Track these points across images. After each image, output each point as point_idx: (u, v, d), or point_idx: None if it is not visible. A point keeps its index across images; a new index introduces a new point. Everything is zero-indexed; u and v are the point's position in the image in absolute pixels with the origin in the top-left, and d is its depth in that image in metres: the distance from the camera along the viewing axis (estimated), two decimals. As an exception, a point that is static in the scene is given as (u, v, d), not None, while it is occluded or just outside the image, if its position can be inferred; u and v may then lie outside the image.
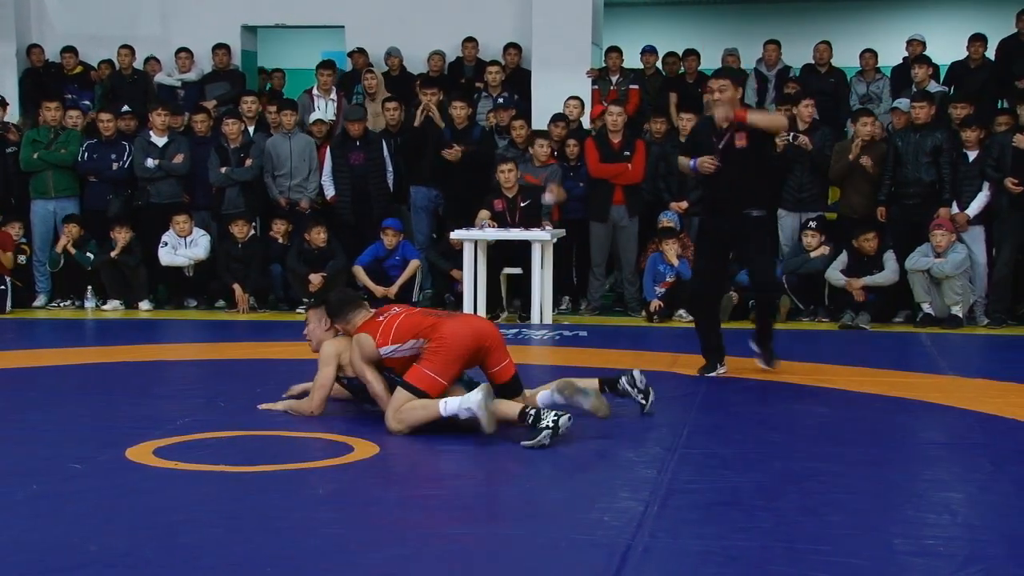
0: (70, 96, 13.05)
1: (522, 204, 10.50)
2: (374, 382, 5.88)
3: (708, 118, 7.43)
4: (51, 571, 3.69)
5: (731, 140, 7.15)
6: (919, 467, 5.29)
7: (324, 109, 12.33)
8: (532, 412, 5.47)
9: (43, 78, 13.51)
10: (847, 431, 5.96)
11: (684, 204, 11.01)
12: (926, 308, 10.21)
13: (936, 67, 11.87)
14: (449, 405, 5.58)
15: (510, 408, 5.59)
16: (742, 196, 7.22)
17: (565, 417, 5.44)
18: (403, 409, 5.68)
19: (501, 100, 12.08)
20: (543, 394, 5.98)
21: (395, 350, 5.81)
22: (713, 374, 7.52)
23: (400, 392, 5.71)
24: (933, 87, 11.42)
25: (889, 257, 10.26)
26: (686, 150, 7.65)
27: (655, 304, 10.48)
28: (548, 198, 10.50)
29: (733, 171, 7.15)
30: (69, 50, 13.44)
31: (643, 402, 6.14)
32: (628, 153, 10.83)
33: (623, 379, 6.13)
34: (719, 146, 7.17)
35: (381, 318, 5.95)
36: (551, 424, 5.39)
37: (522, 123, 11.37)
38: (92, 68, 13.50)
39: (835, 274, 10.34)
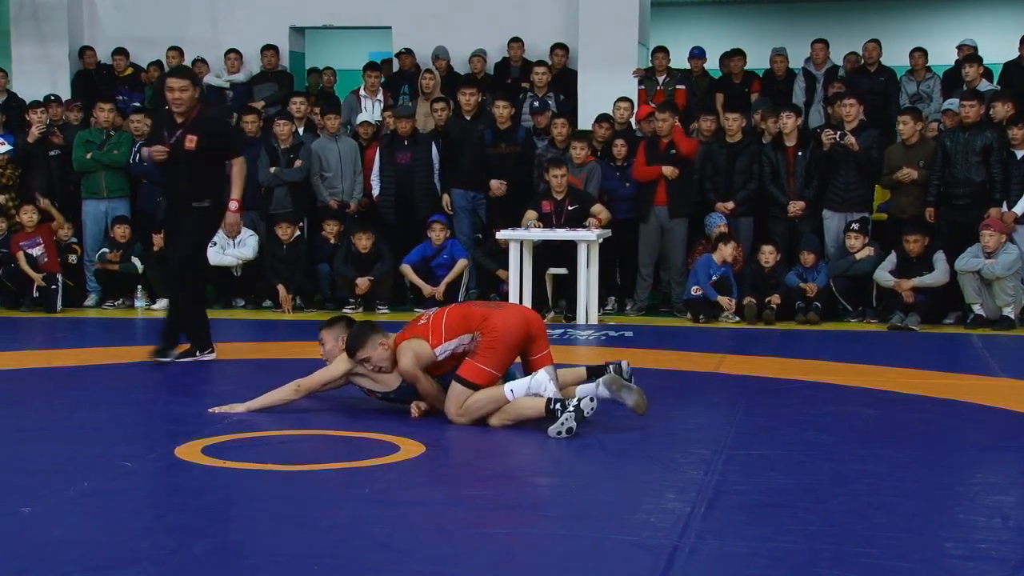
0: (121, 98, 13.18)
1: (569, 208, 10.49)
2: (424, 381, 5.93)
3: (167, 111, 7.88)
4: (101, 568, 3.73)
5: (181, 138, 7.62)
6: (969, 470, 5.24)
7: (371, 110, 12.37)
8: (558, 404, 5.57)
9: (95, 80, 13.66)
10: (896, 433, 5.90)
11: (730, 204, 10.95)
12: (977, 309, 10.09)
13: (988, 68, 11.73)
14: (516, 390, 5.70)
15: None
16: (190, 190, 7.69)
17: (588, 400, 5.55)
18: (469, 403, 5.75)
19: (536, 103, 12.07)
20: (586, 386, 5.96)
21: (446, 349, 5.88)
22: (167, 359, 7.77)
23: (458, 388, 5.79)
24: (984, 86, 11.29)
25: (939, 258, 10.15)
26: (148, 141, 8.26)
27: (723, 300, 10.42)
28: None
29: (181, 166, 7.66)
30: (120, 52, 13.58)
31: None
32: (674, 152, 10.78)
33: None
34: (170, 140, 7.64)
35: (423, 320, 6.00)
36: (573, 407, 5.48)
37: (564, 122, 11.33)
38: (142, 70, 13.63)
39: (884, 275, 10.25)
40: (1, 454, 5.35)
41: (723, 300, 10.42)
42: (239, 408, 6.09)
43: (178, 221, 7.81)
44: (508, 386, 5.79)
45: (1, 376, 7.36)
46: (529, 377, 5.84)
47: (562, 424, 5.53)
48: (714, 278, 10.49)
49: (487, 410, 5.78)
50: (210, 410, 6.08)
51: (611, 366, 6.18)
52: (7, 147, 11.68)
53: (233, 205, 7.81)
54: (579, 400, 5.58)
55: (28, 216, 11.33)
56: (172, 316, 7.98)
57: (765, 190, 10.93)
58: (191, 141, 7.60)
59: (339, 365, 6.08)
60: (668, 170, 10.68)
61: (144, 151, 7.62)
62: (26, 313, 11.02)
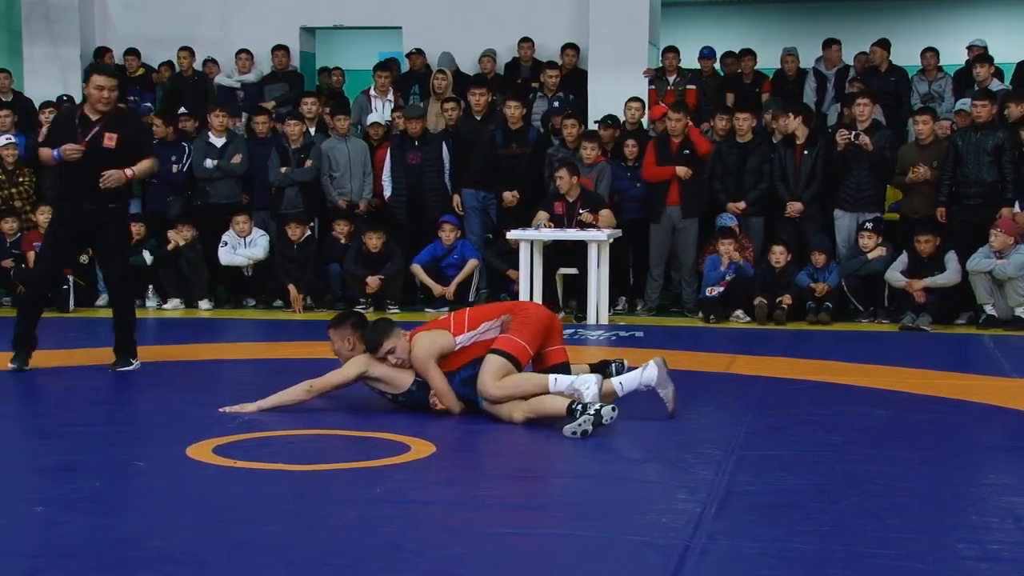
0: (132, 98, 13.21)
1: (581, 210, 10.48)
2: (436, 374, 5.96)
3: (70, 109, 7.77)
4: (114, 567, 3.73)
5: (99, 136, 7.41)
6: (982, 471, 5.22)
7: (382, 110, 12.38)
8: (578, 406, 5.58)
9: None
10: (908, 433, 5.89)
11: (742, 205, 10.94)
12: (989, 310, 10.06)
13: (999, 68, 11.70)
14: (560, 382, 5.79)
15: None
16: (104, 190, 7.42)
17: (609, 407, 5.56)
18: (512, 379, 5.81)
19: (556, 104, 12.06)
20: (632, 374, 5.96)
21: (471, 336, 5.97)
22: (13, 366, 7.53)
23: (495, 359, 5.86)
24: (995, 85, 11.26)
25: (951, 258, 10.13)
26: (47, 141, 7.96)
27: (711, 289, 10.43)
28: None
29: (97, 165, 7.38)
30: (131, 52, 13.61)
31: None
32: (688, 152, 10.77)
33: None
34: (85, 138, 7.40)
35: (442, 317, 6.06)
36: (593, 412, 5.50)
37: (574, 122, 11.32)
38: (154, 70, 13.66)
39: (895, 275, 10.22)
40: (13, 453, 5.36)
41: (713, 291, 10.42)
42: (249, 408, 6.10)
43: (102, 228, 7.52)
44: (553, 376, 5.87)
45: (13, 375, 7.37)
46: (574, 377, 5.86)
47: (579, 425, 5.52)
48: (728, 278, 10.46)
49: (526, 391, 5.82)
50: (220, 410, 6.09)
51: (613, 365, 6.17)
52: (13, 141, 11.70)
53: (128, 172, 7.50)
54: (601, 406, 5.56)
55: (44, 217, 11.35)
56: (123, 325, 7.79)
57: (774, 189, 10.91)
58: (111, 139, 7.45)
59: (352, 368, 6.09)
60: (682, 171, 10.67)
61: (52, 152, 7.38)
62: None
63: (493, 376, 5.85)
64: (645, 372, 5.95)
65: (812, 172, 10.76)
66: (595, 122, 11.86)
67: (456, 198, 11.50)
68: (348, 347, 6.20)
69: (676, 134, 10.80)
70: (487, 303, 6.32)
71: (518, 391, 5.84)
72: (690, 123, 10.87)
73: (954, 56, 12.76)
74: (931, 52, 12.13)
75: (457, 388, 6.05)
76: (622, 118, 11.61)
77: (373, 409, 6.19)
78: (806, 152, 10.78)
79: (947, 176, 10.38)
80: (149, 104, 13.24)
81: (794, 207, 10.73)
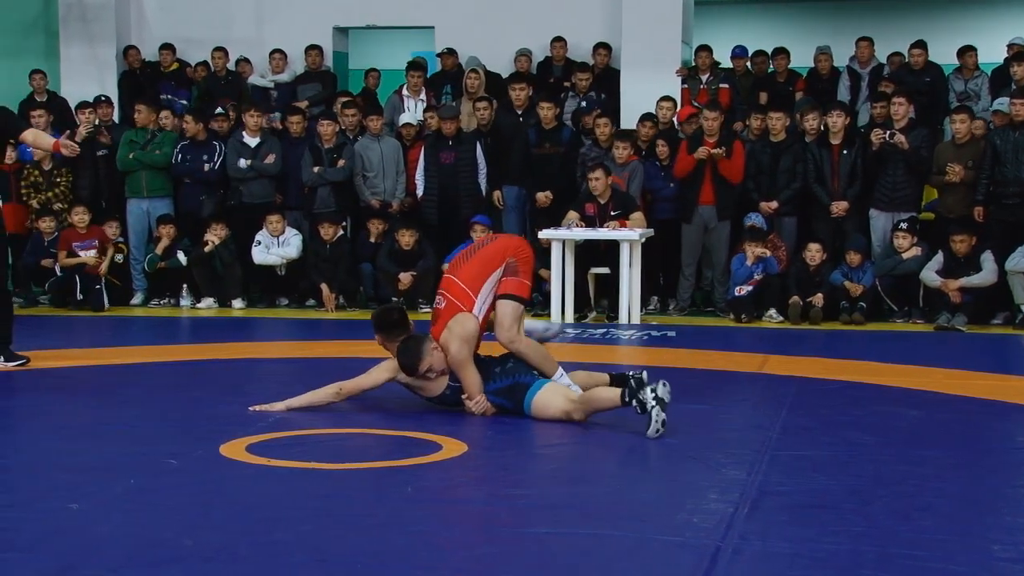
0: (165, 96, 13.27)
1: (613, 212, 10.47)
2: (472, 377, 5.98)
3: None
4: (148, 565, 3.76)
5: None
6: (1017, 472, 5.18)
7: (414, 110, 12.41)
8: (633, 400, 5.61)
9: (140, 79, 13.78)
10: (942, 434, 5.86)
11: (774, 204, 10.89)
12: (1025, 309, 9.99)
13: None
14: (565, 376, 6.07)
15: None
16: None
17: (660, 385, 5.61)
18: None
19: (584, 104, 12.05)
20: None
21: (484, 300, 6.04)
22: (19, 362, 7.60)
23: (508, 306, 6.02)
24: (1034, 84, 11.15)
25: (987, 258, 10.05)
26: None
27: (739, 288, 10.38)
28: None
29: None
30: (167, 48, 13.66)
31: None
32: (722, 150, 10.73)
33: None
34: None
35: (441, 304, 6.08)
36: (655, 400, 5.53)
37: (607, 121, 11.31)
38: (188, 66, 13.72)
39: (930, 275, 10.16)
40: (48, 451, 5.41)
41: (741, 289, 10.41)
42: (279, 407, 6.13)
43: None
44: (560, 371, 6.10)
45: (49, 374, 7.45)
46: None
47: (655, 422, 5.54)
48: (757, 276, 10.43)
49: (542, 363, 6.03)
50: (250, 408, 6.13)
51: (632, 378, 6.10)
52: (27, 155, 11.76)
53: (59, 140, 7.47)
54: (654, 389, 5.57)
55: (79, 217, 11.45)
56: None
57: (809, 190, 10.87)
58: None
59: (382, 373, 6.10)
60: (702, 151, 10.60)
61: None
62: (75, 312, 11.14)
63: (511, 320, 6.01)
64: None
65: (852, 172, 10.70)
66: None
67: (497, 194, 11.52)
68: (382, 346, 6.23)
69: (711, 134, 10.77)
70: (466, 257, 6.23)
71: (538, 361, 5.99)
72: (737, 144, 10.77)
73: (990, 54, 12.65)
74: (970, 51, 12.03)
75: (492, 399, 6.07)
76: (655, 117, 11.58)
77: (404, 408, 6.21)
78: (844, 152, 10.72)
79: (984, 175, 10.30)
80: (185, 102, 13.30)
81: (840, 206, 10.67)
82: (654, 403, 5.54)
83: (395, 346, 6.09)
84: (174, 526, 4.15)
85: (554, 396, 5.95)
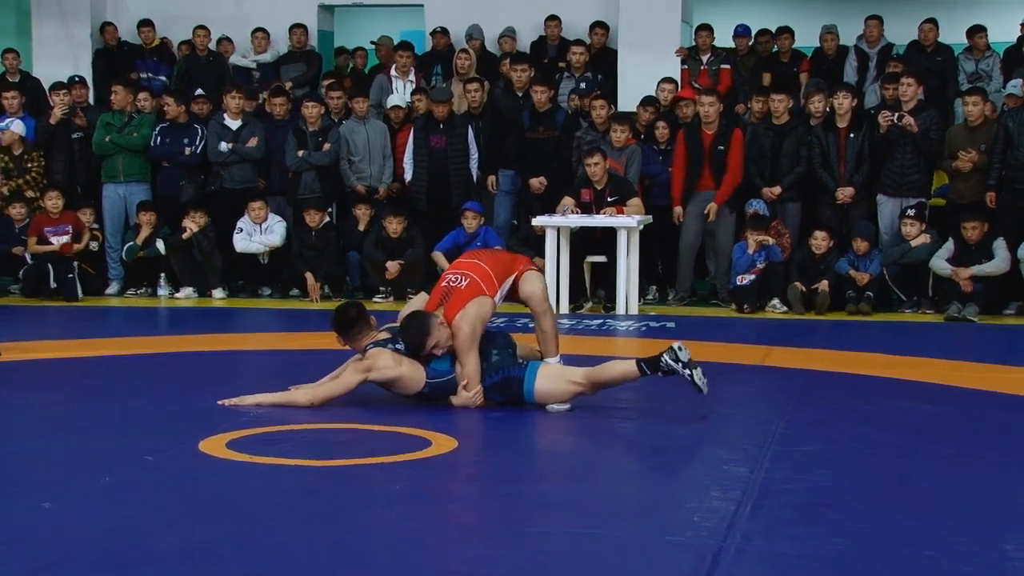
0: (145, 75, 13.20)
1: (610, 198, 10.45)
2: (473, 362, 5.97)
3: None
4: (126, 566, 3.74)
5: None
6: (1031, 469, 5.18)
7: (403, 91, 12.38)
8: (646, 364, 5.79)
9: (116, 58, 13.69)
10: (952, 429, 5.85)
11: (777, 190, 10.88)
12: (1039, 299, 9.99)
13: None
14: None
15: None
16: None
17: (677, 346, 5.80)
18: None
19: (583, 85, 12.02)
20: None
21: (501, 294, 6.24)
22: None
23: (540, 277, 6.44)
24: (1047, 64, 11.16)
25: (999, 245, 10.05)
26: None
27: (741, 277, 10.38)
28: None
29: None
30: (146, 24, 13.56)
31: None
32: (722, 148, 10.72)
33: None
34: None
35: (461, 282, 6.10)
36: (673, 360, 5.72)
37: (603, 103, 11.28)
38: (170, 41, 13.63)
39: (940, 263, 10.15)
40: (21, 447, 5.38)
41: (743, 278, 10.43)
42: (249, 400, 6.12)
43: None
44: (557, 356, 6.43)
45: (21, 367, 7.42)
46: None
47: (699, 380, 5.74)
48: (759, 264, 10.42)
49: (552, 341, 6.42)
50: (219, 402, 6.11)
51: (665, 354, 5.99)
52: (18, 125, 11.73)
53: None
54: (677, 351, 5.76)
55: (53, 202, 11.39)
56: None
57: (813, 174, 10.85)
58: None
59: (353, 377, 6.07)
60: (678, 212, 10.86)
61: None
62: (48, 302, 11.10)
63: (546, 291, 6.48)
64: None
65: (860, 156, 10.69)
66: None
67: (492, 178, 11.49)
68: (341, 344, 6.23)
69: (709, 121, 10.74)
70: (491, 252, 6.52)
71: (601, 377, 6.00)
72: (736, 134, 10.77)
73: (1002, 33, 12.63)
74: (980, 31, 12.01)
75: (485, 395, 6.06)
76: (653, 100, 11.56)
77: (391, 402, 6.19)
78: (851, 135, 10.71)
79: (996, 160, 10.29)
80: (164, 78, 13.23)
81: (845, 192, 10.67)
82: (684, 368, 5.71)
83: (360, 343, 6.11)
84: (151, 525, 4.13)
85: (557, 382, 5.98)
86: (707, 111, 10.75)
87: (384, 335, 6.13)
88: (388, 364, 5.96)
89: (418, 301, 6.48)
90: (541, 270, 6.59)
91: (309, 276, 11.19)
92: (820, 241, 10.44)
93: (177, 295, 11.49)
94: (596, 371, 5.96)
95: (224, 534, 4.05)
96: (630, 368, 5.85)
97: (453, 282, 6.14)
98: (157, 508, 4.36)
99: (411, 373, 6.01)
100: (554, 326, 6.50)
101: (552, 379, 5.99)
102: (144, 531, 4.07)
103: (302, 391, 6.18)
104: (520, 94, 11.75)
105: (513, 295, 6.38)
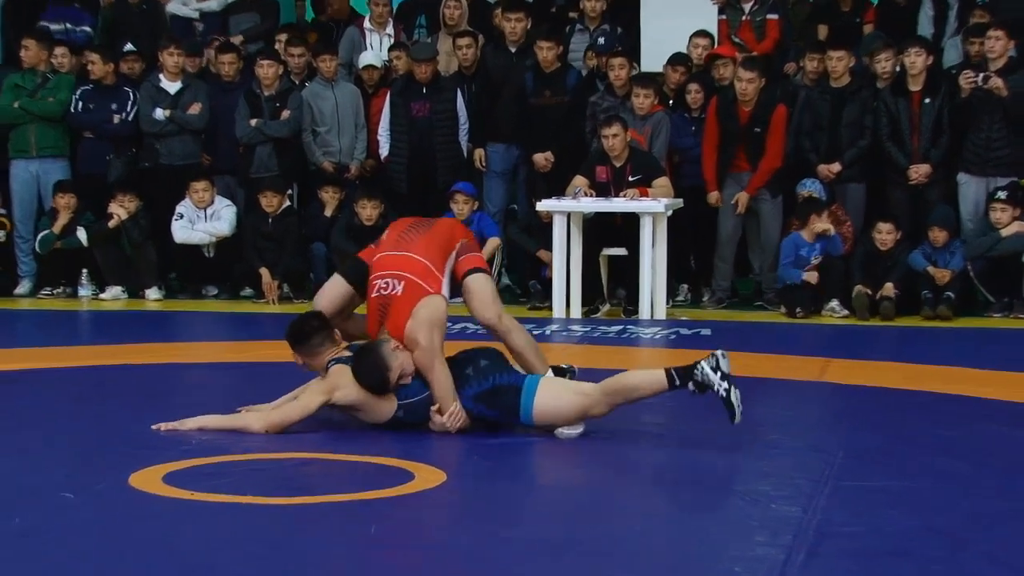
0: (62, 26, 13.13)
1: (631, 178, 10.45)
2: (443, 377, 5.95)
3: None
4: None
5: None
6: None
7: (378, 47, 12.39)
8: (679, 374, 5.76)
9: (27, 6, 13.62)
10: (1053, 461, 5.85)
11: (836, 167, 10.89)
12: None
13: None
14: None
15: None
16: None
17: (720, 355, 5.73)
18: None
19: (602, 40, 12.01)
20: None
21: (446, 285, 6.18)
22: None
23: (481, 279, 6.24)
24: None
25: (1110, 236, 10.09)
26: None
27: (810, 275, 10.35)
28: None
29: None
30: (64, -38, 13.55)
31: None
32: (759, 130, 10.72)
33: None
34: None
35: (395, 290, 6.04)
36: (713, 370, 5.67)
37: (622, 62, 11.27)
38: None
39: (1037, 257, 10.20)
40: (-90, 482, 5.38)
41: (809, 275, 10.34)
42: (190, 424, 6.12)
43: None
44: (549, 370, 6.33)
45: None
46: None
47: (736, 405, 5.69)
48: (814, 261, 10.42)
49: (532, 354, 6.27)
50: (154, 427, 6.10)
51: (703, 362, 6.01)
52: None
53: None
54: (715, 361, 5.72)
55: None
56: None
57: (880, 149, 10.86)
58: None
59: (312, 398, 6.07)
60: (713, 197, 10.89)
61: None
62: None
63: (492, 297, 6.25)
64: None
65: (937, 126, 10.69)
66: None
67: (479, 153, 11.48)
68: (299, 363, 6.23)
69: (747, 99, 10.73)
70: (410, 228, 6.34)
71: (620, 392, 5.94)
72: (779, 112, 10.77)
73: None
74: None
75: (469, 406, 6.04)
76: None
77: (365, 425, 6.19)
78: (927, 100, 10.71)
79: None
80: (88, 28, 13.21)
81: (920, 170, 10.68)
82: (722, 379, 5.66)
83: (320, 360, 6.11)
84: (71, 577, 4.13)
85: (562, 392, 5.98)
86: (744, 88, 10.74)
87: (347, 353, 6.14)
88: (355, 384, 5.97)
89: (335, 291, 6.41)
90: (479, 265, 6.32)
91: (265, 272, 11.20)
92: (884, 235, 10.43)
93: (102, 296, 11.50)
94: (611, 381, 5.94)
95: (160, 588, 4.04)
96: (656, 377, 5.83)
97: (385, 288, 6.08)
98: (78, 557, 4.35)
99: (381, 398, 6.02)
100: (526, 339, 6.33)
101: (556, 391, 5.98)
102: (62, 584, 4.06)
103: (254, 414, 6.17)
104: (513, 50, 11.71)
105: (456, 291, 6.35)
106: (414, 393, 6.02)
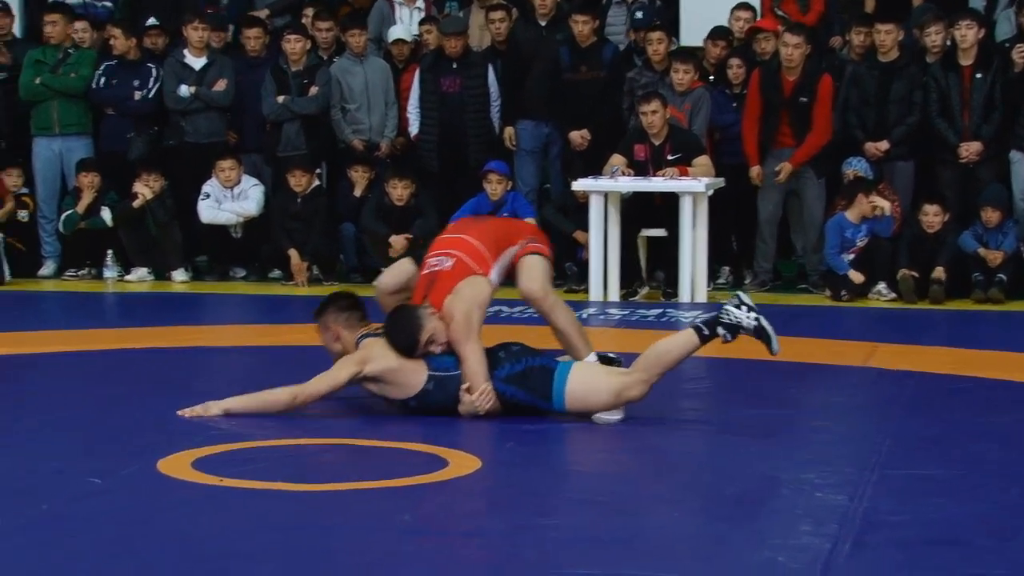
0: (83, 0, 13.22)
1: (670, 156, 10.43)
2: (476, 357, 5.99)
3: None
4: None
5: None
6: None
7: (408, 21, 12.37)
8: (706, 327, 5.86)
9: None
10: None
11: (884, 145, 10.84)
12: None
13: None
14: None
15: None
16: None
17: (738, 292, 5.99)
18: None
19: (640, 14, 11.98)
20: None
21: (499, 270, 6.28)
22: None
23: (539, 260, 6.35)
24: None
25: None
26: None
27: (856, 275, 10.32)
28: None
29: None
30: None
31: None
32: (805, 100, 10.68)
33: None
34: None
35: (444, 264, 6.16)
36: (737, 308, 5.84)
37: (660, 36, 11.23)
38: None
39: (1096, 239, 10.15)
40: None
41: (854, 275, 10.30)
42: (214, 409, 6.15)
43: None
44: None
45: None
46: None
47: (772, 337, 5.86)
48: (859, 243, 10.39)
49: (575, 335, 6.30)
50: (179, 413, 6.14)
51: (727, 305, 6.08)
52: None
53: None
54: (738, 303, 5.90)
55: None
56: None
57: (930, 125, 10.82)
58: None
59: (342, 370, 6.10)
60: (755, 172, 10.82)
61: None
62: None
63: (546, 274, 6.33)
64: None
65: (989, 101, 10.64)
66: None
67: (509, 131, 11.48)
68: (333, 339, 6.27)
69: (792, 66, 10.69)
70: (483, 220, 6.51)
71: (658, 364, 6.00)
72: (825, 82, 10.73)
73: None
74: None
75: (500, 388, 6.07)
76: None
77: (394, 411, 6.21)
78: (978, 75, 10.66)
79: None
80: (108, 3, 13.24)
81: (971, 148, 10.63)
82: (748, 312, 5.84)
83: (351, 336, 6.20)
84: (101, 564, 4.17)
85: (597, 374, 6.03)
86: (790, 54, 10.68)
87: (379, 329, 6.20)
88: (386, 354, 6.02)
89: (399, 268, 6.55)
90: (542, 252, 6.43)
91: (293, 254, 11.22)
92: (932, 217, 10.36)
93: (128, 277, 11.54)
94: (642, 356, 6.00)
95: (188, 574, 4.08)
96: (685, 336, 5.91)
97: (435, 265, 6.22)
98: (106, 543, 4.39)
99: (412, 366, 6.07)
100: (572, 319, 6.42)
101: (590, 373, 6.02)
102: (90, 571, 4.10)
103: (281, 389, 6.19)
104: (544, 23, 11.67)
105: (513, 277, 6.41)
106: (447, 367, 6.06)
